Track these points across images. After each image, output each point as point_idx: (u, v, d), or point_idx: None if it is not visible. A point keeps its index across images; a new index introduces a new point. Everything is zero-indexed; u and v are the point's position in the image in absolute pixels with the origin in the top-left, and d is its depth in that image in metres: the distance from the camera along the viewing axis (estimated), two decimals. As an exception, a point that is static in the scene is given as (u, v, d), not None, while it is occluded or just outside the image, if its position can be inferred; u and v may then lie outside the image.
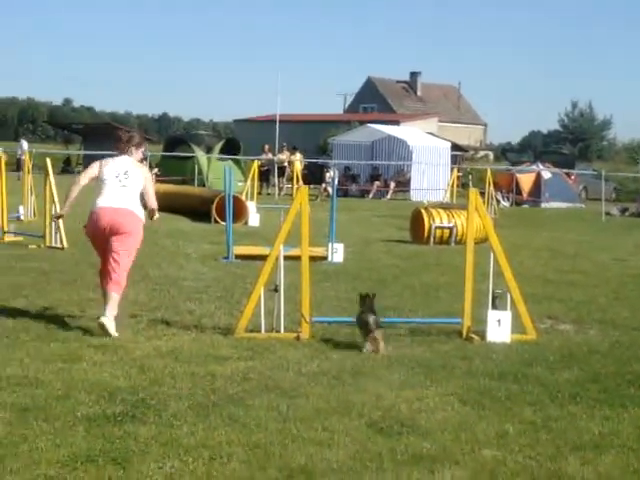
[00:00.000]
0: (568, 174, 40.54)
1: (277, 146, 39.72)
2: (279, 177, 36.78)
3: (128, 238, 8.53)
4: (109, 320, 8.22)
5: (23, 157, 26.86)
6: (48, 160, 15.71)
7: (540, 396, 6.71)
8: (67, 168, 46.10)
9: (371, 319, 8.03)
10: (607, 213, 30.58)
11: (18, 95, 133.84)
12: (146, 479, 4.81)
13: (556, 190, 37.28)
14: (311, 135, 55.11)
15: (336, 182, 17.49)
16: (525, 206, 36.26)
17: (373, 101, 77.83)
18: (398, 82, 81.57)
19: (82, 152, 46.69)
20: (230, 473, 4.93)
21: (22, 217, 18.93)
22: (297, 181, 30.94)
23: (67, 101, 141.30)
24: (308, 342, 8.18)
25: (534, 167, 39.57)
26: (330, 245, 14.35)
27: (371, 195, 37.07)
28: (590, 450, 5.51)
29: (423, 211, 18.16)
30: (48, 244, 14.60)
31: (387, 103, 77.07)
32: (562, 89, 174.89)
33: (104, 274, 8.60)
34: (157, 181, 28.20)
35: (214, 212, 20.25)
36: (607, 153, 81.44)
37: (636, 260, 16.65)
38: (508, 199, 36.64)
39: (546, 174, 37.84)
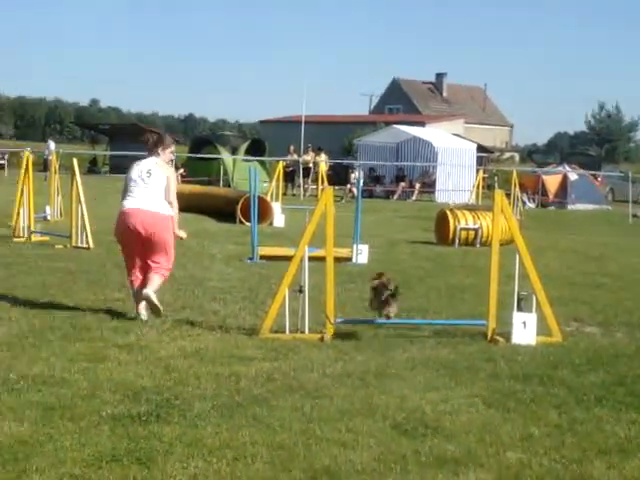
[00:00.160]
0: (595, 176, 40.33)
1: (302, 147, 39.76)
2: (304, 178, 36.79)
3: (161, 241, 8.97)
4: (151, 291, 8.84)
5: (50, 157, 27.09)
6: (75, 160, 15.77)
7: (566, 399, 6.67)
8: (93, 168, 46.38)
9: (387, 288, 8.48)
10: (634, 215, 30.39)
11: (46, 96, 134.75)
12: (170, 479, 4.82)
13: (582, 192, 37.09)
14: (336, 136, 55.14)
15: (361, 183, 17.47)
16: (551, 208, 36.09)
17: (399, 102, 77.75)
18: (424, 83, 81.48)
19: (108, 152, 46.94)
20: (254, 474, 4.93)
21: (49, 217, 19.02)
22: (322, 182, 30.94)
23: (94, 102, 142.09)
24: (332, 343, 8.17)
25: (560, 168, 39.43)
26: (355, 246, 14.34)
27: (396, 196, 37.02)
28: (616, 454, 5.47)
29: (448, 212, 18.12)
30: (74, 244, 14.66)
31: (413, 104, 76.97)
32: (589, 90, 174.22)
33: (133, 272, 9.10)
34: (183, 181, 28.39)
35: (239, 213, 20.29)
36: (634, 155, 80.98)
37: (663, 262, 16.52)
38: (534, 201, 36.51)
39: (572, 176, 37.67)
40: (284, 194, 29.21)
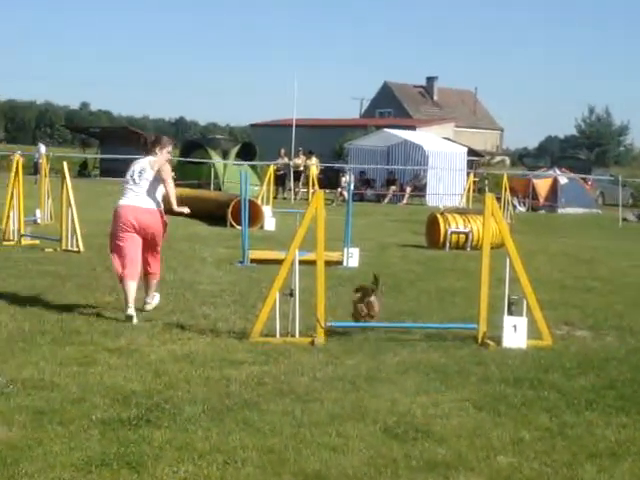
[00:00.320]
0: (585, 179, 40.44)
1: (293, 150, 39.76)
2: (295, 181, 36.79)
3: (154, 235, 9.46)
4: (149, 305, 9.63)
5: (40, 161, 26.99)
6: (65, 164, 15.73)
7: (556, 402, 6.67)
8: (84, 172, 46.30)
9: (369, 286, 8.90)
10: (624, 219, 30.47)
11: (36, 99, 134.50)
12: (160, 483, 4.81)
13: (573, 195, 37.18)
14: (327, 140, 55.11)
15: (352, 187, 17.47)
16: (541, 211, 36.17)
17: (389, 106, 77.76)
18: (415, 87, 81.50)
19: (99, 156, 46.88)
20: (244, 478, 4.92)
21: (39, 220, 18.98)
22: (313, 185, 30.95)
23: (84, 105, 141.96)
24: (323, 347, 8.17)
25: (551, 172, 39.52)
26: (346, 250, 14.33)
27: (387, 200, 37.04)
28: (606, 457, 5.47)
29: (439, 216, 18.13)
30: (64, 247, 14.63)
31: (403, 108, 76.98)
32: (579, 94, 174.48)
33: (123, 265, 9.37)
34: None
35: (230, 216, 20.27)
36: (624, 158, 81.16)
37: (653, 266, 16.56)
38: (524, 204, 36.56)
39: (563, 179, 37.74)
40: (275, 197, 29.21)
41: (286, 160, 37.75)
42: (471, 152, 44.87)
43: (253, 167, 34.61)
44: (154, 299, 9.73)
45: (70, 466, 4.94)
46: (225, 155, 36.19)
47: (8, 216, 15.63)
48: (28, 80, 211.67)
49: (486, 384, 7.12)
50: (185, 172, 34.28)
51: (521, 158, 78.62)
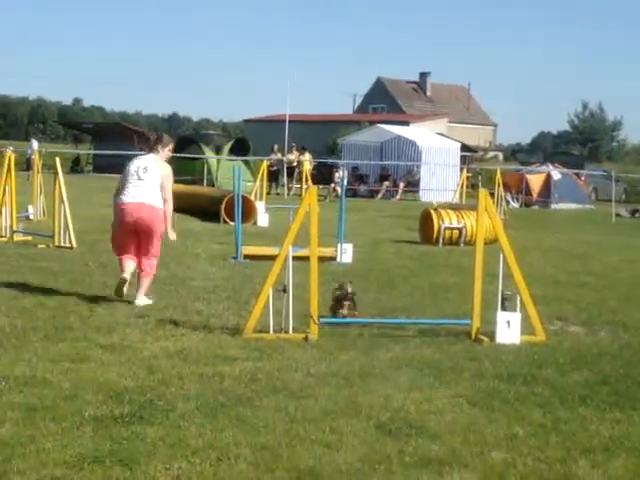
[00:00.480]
0: (578, 175, 40.48)
1: (286, 146, 39.73)
2: (288, 177, 36.76)
3: (153, 232, 9.72)
4: (139, 300, 9.62)
5: (33, 156, 26.93)
6: (57, 160, 15.68)
7: (550, 398, 6.67)
8: (76, 168, 46.21)
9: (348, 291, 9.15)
10: (617, 214, 30.51)
11: (29, 95, 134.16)
12: (153, 480, 4.79)
13: (566, 191, 37.21)
14: (320, 135, 55.15)
15: (345, 182, 17.46)
16: (535, 207, 36.19)
17: (382, 101, 77.82)
18: (408, 82, 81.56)
19: (92, 152, 46.79)
20: (237, 475, 4.91)
21: (31, 216, 18.94)
22: (306, 181, 30.91)
23: (77, 101, 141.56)
24: (316, 343, 8.15)
25: (544, 168, 39.53)
26: (339, 245, 14.33)
27: (380, 195, 37.05)
28: (600, 453, 5.47)
29: (432, 212, 18.13)
30: (57, 244, 14.59)
31: (396, 103, 77.06)
32: (572, 90, 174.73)
33: (125, 252, 9.81)
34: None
35: (223, 212, 20.25)
36: (617, 154, 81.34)
37: (646, 261, 16.59)
38: (517, 200, 36.59)
39: (556, 175, 37.77)
40: (268, 193, 29.15)
41: (279, 156, 37.73)
42: (464, 147, 44.91)
43: (246, 163, 34.54)
44: (144, 301, 9.69)
45: (62, 463, 4.92)
46: (218, 151, 36.12)
47: (0, 212, 15.57)
48: (21, 76, 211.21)
49: (480, 380, 7.12)
50: (178, 168, 34.00)
51: (514, 153, 78.85)
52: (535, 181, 37.56)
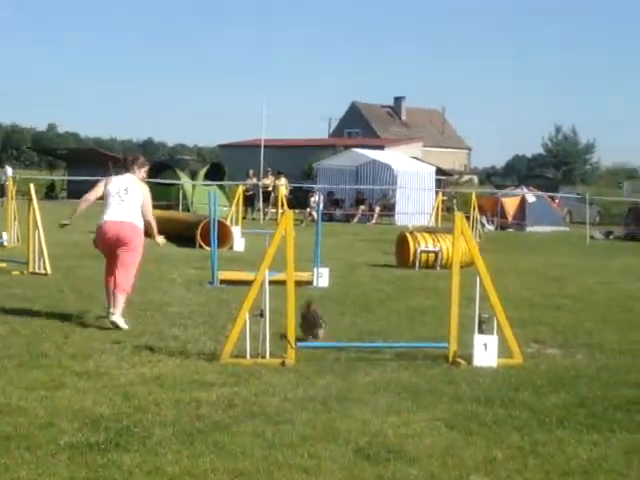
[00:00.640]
0: (552, 198, 40.73)
1: (262, 171, 39.74)
2: (264, 202, 36.75)
3: (132, 250, 9.91)
4: (118, 317, 9.63)
5: (7, 183, 26.76)
6: (32, 186, 15.61)
7: (528, 421, 6.67)
8: (51, 194, 45.99)
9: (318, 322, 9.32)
10: (591, 237, 30.69)
11: (2, 121, 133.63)
12: (130, 508, 4.74)
13: (540, 214, 37.40)
14: (296, 160, 55.19)
15: (321, 207, 17.47)
16: (510, 230, 36.34)
17: (357, 126, 78.13)
18: (382, 107, 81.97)
19: (66, 177, 46.62)
20: (215, 502, 4.86)
21: (5, 243, 18.82)
22: (282, 206, 30.91)
23: (51, 127, 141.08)
24: (294, 367, 8.12)
25: (518, 191, 39.75)
26: (315, 270, 14.31)
27: (356, 219, 37.11)
28: (579, 475, 5.47)
29: (408, 235, 18.16)
30: (32, 270, 14.49)
31: (371, 128, 77.41)
32: (545, 113, 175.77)
33: (110, 274, 10.00)
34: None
35: (199, 237, 20.20)
36: (590, 177, 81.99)
37: (621, 283, 16.69)
38: (493, 223, 36.74)
39: (530, 198, 37.97)
40: (244, 218, 29.13)
41: (255, 180, 37.72)
42: (439, 171, 45.09)
43: (222, 188, 34.51)
44: (122, 323, 9.69)
45: (38, 492, 4.86)
46: (194, 176, 36.07)
47: (-26, 239, 15.47)
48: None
49: (457, 403, 7.11)
50: (154, 193, 33.95)
51: (489, 177, 79.27)
52: (510, 204, 37.74)
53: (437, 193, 35.55)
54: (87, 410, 6.49)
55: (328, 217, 34.13)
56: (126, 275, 9.89)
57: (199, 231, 20.14)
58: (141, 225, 10.02)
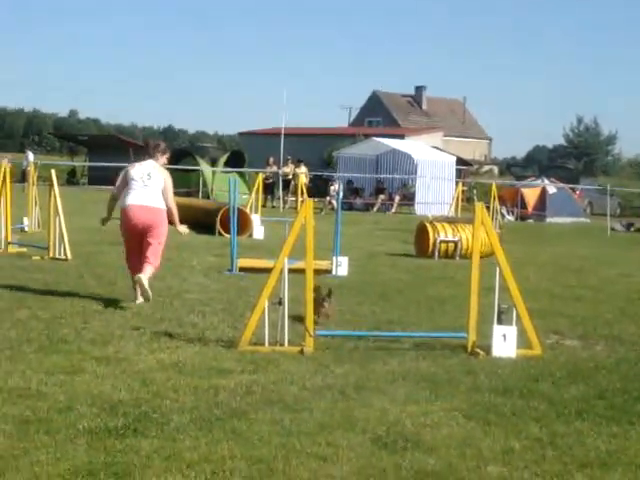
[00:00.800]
0: (573, 189, 40.54)
1: (282, 159, 39.74)
2: (284, 190, 36.76)
3: (158, 231, 10.19)
4: (145, 277, 9.87)
5: (28, 168, 26.92)
6: (53, 171, 15.67)
7: (546, 412, 6.65)
8: (72, 179, 46.21)
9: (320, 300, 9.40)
10: (612, 228, 30.55)
11: (24, 107, 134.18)
12: (147, 494, 4.76)
13: (561, 205, 37.24)
14: (316, 148, 55.12)
15: (341, 195, 17.44)
16: (530, 221, 36.21)
17: (378, 115, 77.93)
18: (403, 96, 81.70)
19: (87, 164, 46.78)
20: (232, 488, 4.88)
21: (26, 228, 18.90)
22: (302, 194, 30.92)
23: (73, 113, 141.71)
24: (312, 356, 8.12)
25: (539, 182, 39.57)
26: (334, 258, 14.31)
27: (375, 208, 37.07)
28: (597, 467, 5.44)
29: (428, 225, 18.12)
30: (52, 255, 14.55)
31: (392, 117, 77.16)
32: (568, 104, 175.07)
33: (134, 262, 10.30)
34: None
35: (218, 224, 20.22)
36: (612, 168, 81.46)
37: (642, 275, 16.59)
38: (513, 213, 36.61)
39: (551, 189, 37.81)
40: (264, 206, 29.19)
41: (275, 169, 37.73)
42: (460, 161, 44.93)
43: (242, 175, 34.54)
44: (145, 283, 9.90)
45: (56, 476, 4.88)
46: (214, 163, 36.12)
47: (-5, 224, 15.54)
48: (16, 88, 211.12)
49: (476, 393, 7.09)
50: (174, 180, 34.10)
51: (509, 167, 78.86)
52: (530, 195, 37.59)
53: (457, 183, 35.45)
54: (106, 395, 6.51)
55: (348, 206, 34.13)
56: (154, 256, 10.17)
57: (219, 218, 20.16)
58: (164, 207, 10.32)
